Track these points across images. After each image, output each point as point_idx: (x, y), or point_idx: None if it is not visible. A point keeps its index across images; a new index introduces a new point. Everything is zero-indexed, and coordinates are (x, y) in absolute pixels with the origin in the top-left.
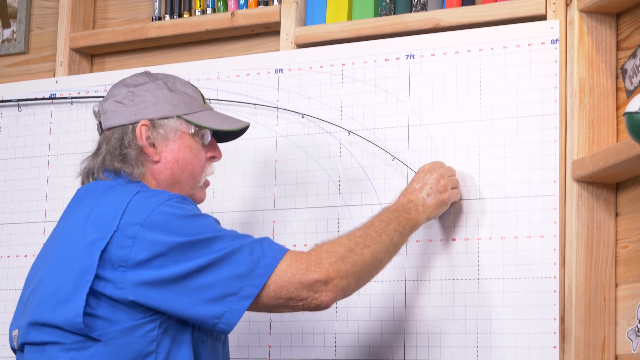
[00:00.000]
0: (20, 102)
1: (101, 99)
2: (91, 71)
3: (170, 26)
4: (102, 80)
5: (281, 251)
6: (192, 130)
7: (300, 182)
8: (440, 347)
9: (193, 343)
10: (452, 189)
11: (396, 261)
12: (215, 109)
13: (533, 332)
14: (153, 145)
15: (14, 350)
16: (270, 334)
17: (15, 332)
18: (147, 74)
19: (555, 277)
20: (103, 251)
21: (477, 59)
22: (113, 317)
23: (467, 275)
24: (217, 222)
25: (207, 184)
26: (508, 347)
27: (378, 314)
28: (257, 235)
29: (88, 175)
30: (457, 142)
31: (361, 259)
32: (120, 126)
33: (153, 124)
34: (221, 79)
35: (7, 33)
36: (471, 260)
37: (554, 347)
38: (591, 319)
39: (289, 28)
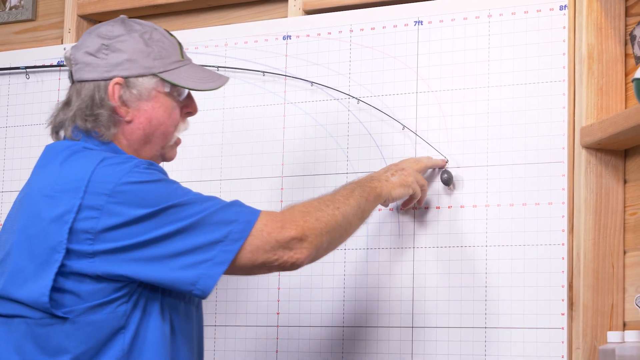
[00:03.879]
0: (28, 69)
1: None
2: None
3: None
4: None
5: (255, 213)
6: (167, 89)
7: (308, 150)
8: (448, 314)
9: (166, 311)
10: (417, 181)
11: (404, 228)
12: (193, 61)
13: (541, 299)
14: (126, 104)
15: None
16: (278, 301)
17: None
18: (123, 23)
19: (563, 244)
20: (71, 226)
21: (486, 25)
22: (82, 293)
23: (476, 243)
24: (187, 189)
25: (178, 142)
26: (516, 314)
27: (386, 281)
28: (266, 204)
29: (58, 129)
30: (466, 109)
31: (333, 219)
32: (92, 81)
33: (127, 82)
34: (229, 45)
35: (14, 0)
36: (479, 227)
37: (562, 314)
38: (599, 286)
39: None
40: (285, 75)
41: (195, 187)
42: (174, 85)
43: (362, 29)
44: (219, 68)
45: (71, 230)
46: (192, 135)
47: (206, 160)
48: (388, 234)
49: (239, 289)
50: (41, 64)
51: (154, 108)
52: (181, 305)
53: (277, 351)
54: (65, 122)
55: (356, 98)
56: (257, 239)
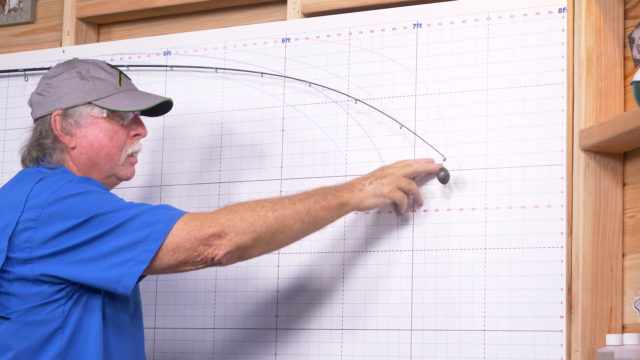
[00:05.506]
0: (27, 72)
1: None
2: (98, 41)
3: None
4: (108, 49)
5: (177, 215)
6: (104, 114)
7: (307, 152)
8: (447, 316)
9: (101, 317)
10: (399, 188)
11: (403, 231)
12: (139, 88)
13: (540, 302)
14: (69, 133)
15: None
16: (277, 304)
17: None
18: (66, 63)
19: (562, 247)
20: (11, 236)
21: (485, 28)
22: (23, 296)
23: (475, 245)
24: (119, 198)
25: (132, 161)
26: (515, 317)
27: (385, 284)
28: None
29: (23, 159)
30: (464, 112)
31: (263, 220)
32: (41, 117)
33: (65, 113)
34: (228, 48)
35: (13, 2)
36: (478, 229)
37: (561, 316)
38: (598, 289)
39: None
40: (284, 77)
41: (194, 190)
42: (108, 110)
43: (361, 32)
44: (218, 70)
45: (11, 241)
46: (190, 138)
47: (204, 163)
48: (387, 236)
49: (238, 291)
50: (40, 67)
51: (94, 133)
52: (111, 311)
53: (275, 354)
54: (24, 156)
55: (354, 98)
56: (178, 237)
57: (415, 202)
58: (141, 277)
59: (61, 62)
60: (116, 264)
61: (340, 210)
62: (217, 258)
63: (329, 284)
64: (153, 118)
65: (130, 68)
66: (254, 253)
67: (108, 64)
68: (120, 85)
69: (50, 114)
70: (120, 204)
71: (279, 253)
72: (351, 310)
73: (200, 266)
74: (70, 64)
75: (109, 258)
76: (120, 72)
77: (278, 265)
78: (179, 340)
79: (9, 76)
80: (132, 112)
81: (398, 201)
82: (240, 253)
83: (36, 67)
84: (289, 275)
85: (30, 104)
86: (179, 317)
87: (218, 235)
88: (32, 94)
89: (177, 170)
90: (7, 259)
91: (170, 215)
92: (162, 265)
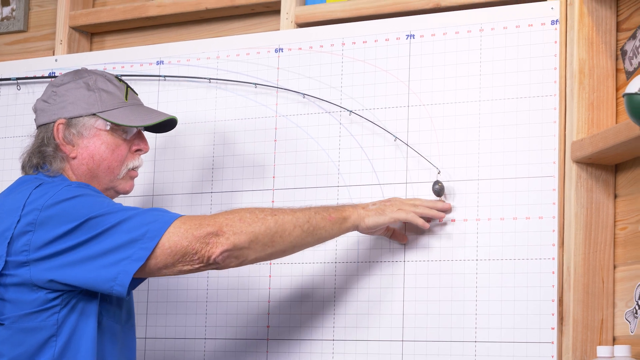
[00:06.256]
0: (19, 81)
1: None
2: (91, 50)
3: (171, 5)
4: (101, 59)
5: (174, 216)
6: (108, 127)
7: (299, 162)
8: (438, 328)
9: (96, 325)
10: (399, 209)
11: (395, 242)
12: (145, 103)
13: (531, 313)
14: (71, 142)
15: None
16: (268, 314)
17: None
18: (75, 72)
19: (553, 259)
20: (10, 241)
21: (477, 39)
22: (18, 302)
23: (466, 257)
24: (115, 203)
25: (132, 175)
26: (506, 328)
27: (376, 294)
28: None
29: (23, 166)
30: (457, 123)
31: (261, 222)
32: (44, 125)
33: (69, 122)
34: (221, 58)
35: (6, 11)
36: (470, 241)
37: (552, 328)
38: (589, 301)
39: (290, 7)
40: (277, 88)
41: (186, 200)
42: (112, 123)
43: (354, 42)
44: (211, 80)
45: (10, 245)
46: (183, 147)
47: (197, 173)
48: (379, 247)
49: (229, 301)
50: (32, 75)
51: (96, 145)
52: (104, 319)
53: None
54: (24, 162)
55: (347, 110)
56: (175, 235)
57: (421, 227)
58: (138, 282)
59: (69, 70)
60: (112, 263)
61: (342, 224)
62: (213, 257)
63: (321, 295)
64: None
65: (123, 77)
66: (251, 255)
67: (116, 77)
68: (126, 99)
69: (54, 122)
70: (116, 206)
71: (270, 263)
72: (342, 321)
73: (197, 266)
74: (79, 74)
75: (104, 257)
76: (128, 86)
77: (269, 276)
78: (169, 350)
79: (1, 85)
80: (136, 127)
81: (402, 219)
82: (237, 254)
83: (29, 75)
84: (280, 285)
85: (35, 110)
86: (170, 327)
87: (215, 233)
88: (37, 100)
89: (169, 180)
90: (5, 262)
91: (167, 216)
92: (158, 265)
